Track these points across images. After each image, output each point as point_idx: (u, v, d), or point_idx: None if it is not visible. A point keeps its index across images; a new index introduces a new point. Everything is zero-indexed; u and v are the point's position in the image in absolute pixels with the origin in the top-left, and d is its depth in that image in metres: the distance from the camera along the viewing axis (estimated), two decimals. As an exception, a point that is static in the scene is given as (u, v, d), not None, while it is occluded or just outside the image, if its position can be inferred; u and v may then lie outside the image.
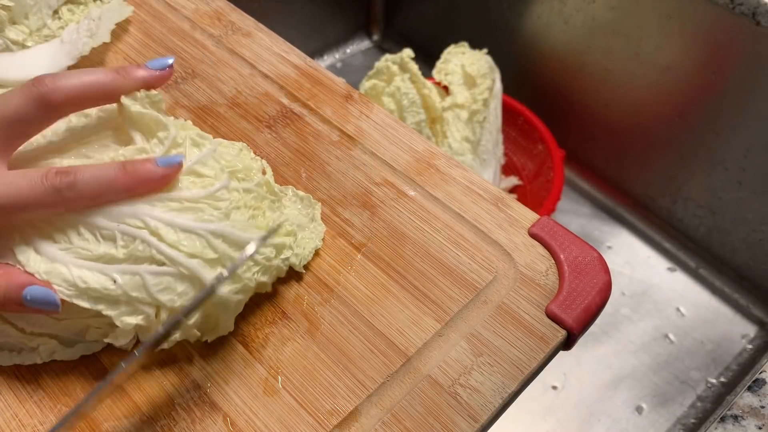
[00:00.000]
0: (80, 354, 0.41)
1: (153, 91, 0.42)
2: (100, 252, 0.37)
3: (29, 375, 0.41)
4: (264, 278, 0.41)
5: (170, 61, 0.42)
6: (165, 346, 0.40)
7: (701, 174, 0.83)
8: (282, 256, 0.42)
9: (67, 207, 0.37)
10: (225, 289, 0.38)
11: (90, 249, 0.37)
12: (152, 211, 0.38)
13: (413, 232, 0.47)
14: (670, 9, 0.76)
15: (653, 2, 0.77)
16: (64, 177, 0.36)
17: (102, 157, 0.40)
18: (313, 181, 0.50)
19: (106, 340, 0.40)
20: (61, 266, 0.37)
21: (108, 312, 0.37)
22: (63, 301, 0.38)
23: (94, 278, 0.37)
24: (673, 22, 0.77)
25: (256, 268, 0.40)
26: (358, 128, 0.53)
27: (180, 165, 0.39)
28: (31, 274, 0.37)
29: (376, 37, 1.17)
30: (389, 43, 1.16)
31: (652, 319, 0.83)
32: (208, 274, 0.37)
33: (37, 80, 0.39)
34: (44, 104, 0.38)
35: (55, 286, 0.37)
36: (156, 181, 0.38)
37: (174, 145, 0.40)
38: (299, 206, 0.47)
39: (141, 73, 0.41)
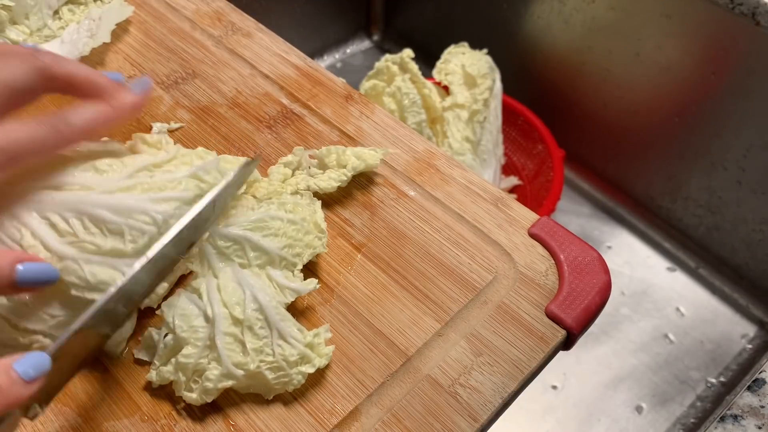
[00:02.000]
0: None
1: None
2: (108, 247, 0.39)
3: (30, 375, 0.41)
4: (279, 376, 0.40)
5: (149, 82, 0.44)
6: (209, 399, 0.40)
7: (701, 174, 0.83)
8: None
9: (66, 143, 0.40)
10: (271, 377, 0.39)
11: (98, 244, 0.39)
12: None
13: (413, 232, 0.47)
14: (670, 9, 0.76)
15: (653, 2, 0.77)
16: (59, 116, 0.39)
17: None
18: (313, 181, 0.50)
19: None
20: (72, 263, 0.38)
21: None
22: (66, 298, 0.38)
23: (105, 273, 0.38)
24: (673, 22, 0.77)
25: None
26: (358, 128, 0.54)
27: (150, 88, 0.43)
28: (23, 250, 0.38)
29: (376, 37, 1.17)
30: (389, 43, 1.16)
31: (651, 318, 0.83)
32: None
33: (38, 52, 0.40)
34: (47, 76, 0.40)
35: (68, 280, 0.38)
36: (136, 106, 0.42)
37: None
38: (297, 196, 0.47)
39: (130, 99, 0.43)
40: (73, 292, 0.39)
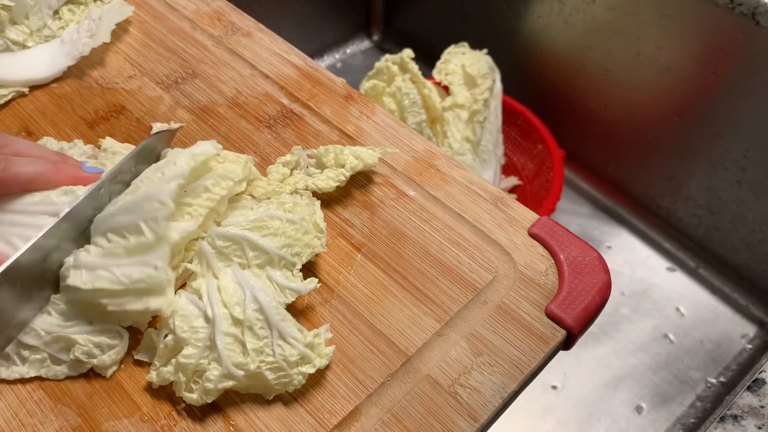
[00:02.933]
0: (65, 375, 0.41)
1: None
2: (133, 244, 0.39)
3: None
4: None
5: (100, 170, 0.46)
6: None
7: (701, 174, 0.83)
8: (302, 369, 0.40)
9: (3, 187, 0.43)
10: (271, 377, 0.39)
11: (123, 246, 0.39)
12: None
13: (413, 232, 0.47)
14: (670, 9, 0.76)
15: (653, 2, 0.77)
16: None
17: None
18: (313, 181, 0.50)
19: (93, 361, 0.41)
20: (104, 271, 0.39)
21: (155, 303, 0.39)
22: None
23: (138, 271, 0.39)
24: (673, 22, 0.77)
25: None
26: (357, 128, 0.54)
27: (100, 174, 0.44)
28: None
29: (376, 38, 1.17)
30: (389, 44, 1.16)
31: (651, 318, 0.83)
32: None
33: None
34: None
35: (101, 287, 0.39)
36: (81, 180, 0.44)
37: None
38: (297, 196, 0.47)
39: (74, 173, 0.44)
40: (109, 307, 0.39)
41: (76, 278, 0.39)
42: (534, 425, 0.74)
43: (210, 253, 0.41)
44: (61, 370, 0.41)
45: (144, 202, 0.39)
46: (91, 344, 0.40)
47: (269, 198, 0.46)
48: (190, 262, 0.42)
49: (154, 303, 0.39)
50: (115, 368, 0.41)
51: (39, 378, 0.41)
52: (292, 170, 0.49)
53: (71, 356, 0.40)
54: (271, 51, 0.59)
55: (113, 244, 0.39)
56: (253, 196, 0.46)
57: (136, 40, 0.60)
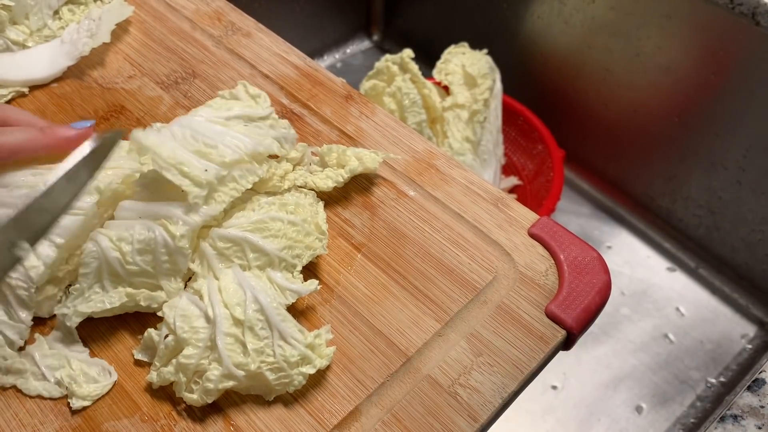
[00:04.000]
0: (36, 393, 0.40)
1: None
2: (194, 146, 0.43)
3: (30, 375, 0.41)
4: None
5: (89, 123, 0.47)
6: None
7: (701, 174, 0.83)
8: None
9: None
10: (272, 377, 0.39)
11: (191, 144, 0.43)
12: None
13: (413, 232, 0.47)
14: (670, 9, 0.76)
15: (653, 2, 0.77)
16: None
17: None
18: (313, 181, 0.50)
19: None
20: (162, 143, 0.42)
21: (189, 189, 0.41)
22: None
23: (189, 159, 0.42)
24: (673, 22, 0.77)
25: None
26: (357, 128, 0.54)
27: (90, 129, 0.45)
28: None
29: (376, 37, 1.17)
30: (389, 43, 1.16)
31: (651, 318, 0.83)
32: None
33: None
34: None
35: (154, 162, 0.42)
36: (69, 139, 0.44)
37: None
38: (300, 197, 0.47)
39: (64, 132, 0.45)
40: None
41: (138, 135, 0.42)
42: (534, 425, 0.74)
43: (211, 254, 0.41)
44: (35, 388, 0.40)
45: (228, 137, 0.45)
46: (80, 372, 0.40)
47: (273, 193, 0.46)
48: (192, 262, 0.42)
49: (187, 188, 0.42)
50: (86, 404, 0.40)
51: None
52: (294, 166, 0.49)
53: (53, 377, 0.40)
54: (271, 51, 0.59)
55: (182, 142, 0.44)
56: (254, 190, 0.46)
57: (136, 40, 0.60)
